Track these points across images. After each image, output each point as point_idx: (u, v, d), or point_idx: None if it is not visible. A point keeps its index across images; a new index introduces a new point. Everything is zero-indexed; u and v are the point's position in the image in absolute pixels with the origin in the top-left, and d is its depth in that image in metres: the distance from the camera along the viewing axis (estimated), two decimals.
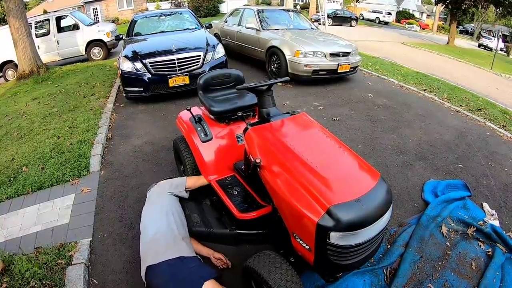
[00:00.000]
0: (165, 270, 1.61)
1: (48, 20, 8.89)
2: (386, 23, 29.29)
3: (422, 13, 41.25)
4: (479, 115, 4.81)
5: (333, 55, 5.26)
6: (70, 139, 3.72)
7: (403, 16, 36.30)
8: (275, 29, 6.13)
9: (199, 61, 4.64)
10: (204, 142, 2.30)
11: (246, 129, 1.87)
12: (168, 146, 3.44)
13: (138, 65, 4.47)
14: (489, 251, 2.18)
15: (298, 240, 1.50)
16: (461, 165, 3.30)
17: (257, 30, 6.09)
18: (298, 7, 26.51)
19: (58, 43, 8.94)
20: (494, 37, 21.23)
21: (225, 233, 1.97)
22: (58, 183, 2.93)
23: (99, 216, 2.49)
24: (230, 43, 7.11)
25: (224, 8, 23.92)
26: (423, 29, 31.09)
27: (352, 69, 5.57)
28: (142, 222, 1.94)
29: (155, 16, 6.37)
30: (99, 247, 2.20)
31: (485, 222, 2.43)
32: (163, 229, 1.77)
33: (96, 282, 1.94)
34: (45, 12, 18.36)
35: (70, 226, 2.39)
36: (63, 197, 2.74)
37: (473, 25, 38.16)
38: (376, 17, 29.76)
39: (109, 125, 4.08)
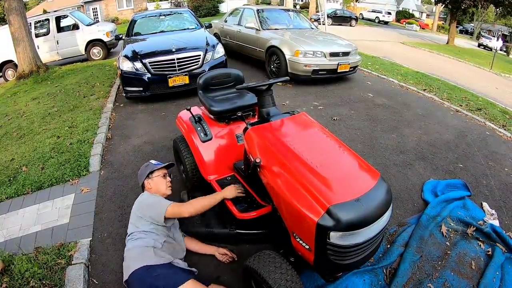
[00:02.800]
0: (132, 282, 1.62)
1: (48, 20, 8.88)
2: (386, 22, 29.28)
3: (422, 12, 41.26)
4: (479, 114, 4.81)
5: (333, 54, 5.26)
6: (70, 139, 3.72)
7: (403, 15, 36.29)
8: (275, 29, 6.14)
9: (198, 61, 4.64)
10: (204, 142, 2.30)
11: (246, 128, 1.88)
12: (168, 146, 3.44)
13: (138, 65, 4.47)
14: (488, 251, 2.18)
15: (298, 240, 1.50)
16: (461, 165, 3.30)
17: (256, 29, 6.09)
18: (298, 6, 26.50)
19: (57, 43, 8.93)
20: (494, 36, 21.23)
21: (225, 233, 1.98)
22: (58, 183, 2.92)
23: (99, 216, 2.49)
24: (230, 43, 7.10)
25: (223, 8, 23.91)
26: (423, 28, 31.10)
27: (352, 68, 5.57)
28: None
29: (155, 16, 6.37)
30: (99, 247, 2.20)
31: (485, 221, 2.43)
32: (135, 244, 1.75)
33: (96, 282, 1.94)
34: (44, 12, 18.36)
35: (70, 226, 2.39)
36: (63, 197, 2.74)
37: (473, 24, 38.16)
38: (376, 17, 29.75)
39: (109, 125, 4.08)
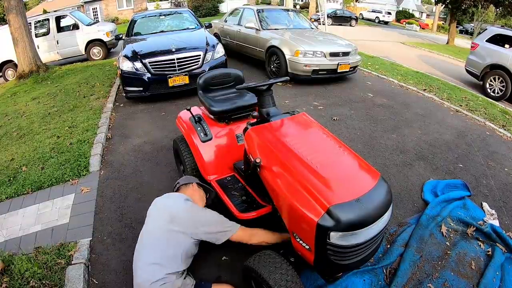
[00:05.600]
0: None
1: (48, 19, 8.88)
2: (386, 22, 29.29)
3: (422, 12, 41.25)
4: (478, 114, 4.81)
5: (333, 54, 5.26)
6: (69, 139, 3.72)
7: (403, 15, 36.29)
8: (275, 29, 6.13)
9: (198, 61, 4.64)
10: (204, 142, 2.30)
11: (246, 128, 1.88)
12: (168, 146, 3.44)
13: (138, 64, 4.47)
14: (488, 251, 2.18)
15: (298, 240, 1.50)
16: (461, 165, 3.30)
17: (256, 29, 6.09)
18: (298, 6, 26.50)
19: (57, 43, 8.93)
20: None
21: None
22: (58, 183, 2.92)
23: (99, 216, 2.49)
24: (230, 43, 7.11)
25: (223, 7, 23.90)
26: (423, 28, 31.09)
27: (352, 68, 5.57)
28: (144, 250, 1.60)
29: (155, 15, 6.37)
30: (99, 246, 2.20)
31: (485, 221, 2.43)
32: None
33: (96, 282, 1.94)
34: (44, 11, 18.34)
35: (70, 226, 2.39)
36: (62, 197, 2.74)
37: (472, 24, 38.13)
38: (376, 17, 29.77)
39: (109, 125, 4.08)
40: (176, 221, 1.61)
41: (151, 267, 1.52)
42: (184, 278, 1.60)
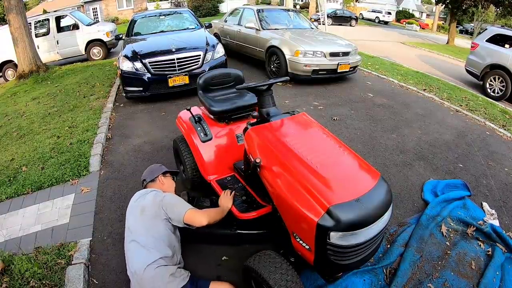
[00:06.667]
0: None
1: (48, 19, 8.88)
2: (386, 22, 29.29)
3: (422, 12, 41.24)
4: (478, 114, 4.81)
5: (333, 54, 5.26)
6: (69, 139, 3.72)
7: (403, 15, 36.27)
8: (275, 29, 6.14)
9: (198, 61, 4.64)
10: (204, 142, 2.30)
11: (246, 128, 1.87)
12: (168, 146, 3.44)
13: (138, 65, 4.47)
14: (488, 251, 2.18)
15: (298, 240, 1.50)
16: (461, 165, 3.30)
17: (256, 29, 6.09)
18: (297, 6, 26.49)
19: (57, 43, 8.93)
20: None
21: (226, 233, 1.98)
22: (58, 183, 2.93)
23: (99, 216, 2.49)
24: (230, 43, 7.11)
25: (223, 7, 23.90)
26: (423, 28, 31.08)
27: (352, 68, 5.57)
28: (130, 241, 1.67)
29: (155, 15, 6.37)
30: (99, 247, 2.20)
31: (485, 221, 2.43)
32: (149, 262, 1.56)
33: (96, 282, 1.94)
34: (44, 12, 18.34)
35: (70, 226, 2.39)
36: (63, 197, 2.74)
37: (472, 24, 38.13)
38: (376, 17, 29.76)
39: (109, 125, 4.08)
40: (146, 209, 1.72)
41: (141, 253, 1.58)
42: (178, 268, 1.63)
